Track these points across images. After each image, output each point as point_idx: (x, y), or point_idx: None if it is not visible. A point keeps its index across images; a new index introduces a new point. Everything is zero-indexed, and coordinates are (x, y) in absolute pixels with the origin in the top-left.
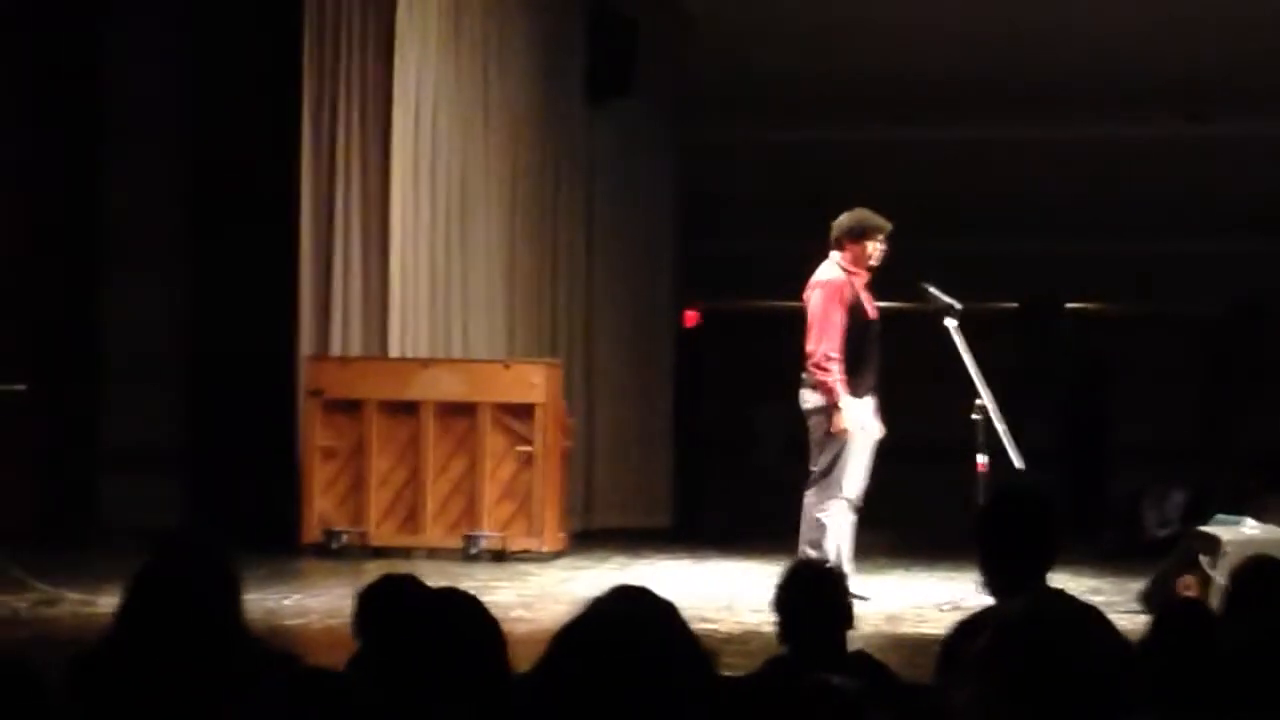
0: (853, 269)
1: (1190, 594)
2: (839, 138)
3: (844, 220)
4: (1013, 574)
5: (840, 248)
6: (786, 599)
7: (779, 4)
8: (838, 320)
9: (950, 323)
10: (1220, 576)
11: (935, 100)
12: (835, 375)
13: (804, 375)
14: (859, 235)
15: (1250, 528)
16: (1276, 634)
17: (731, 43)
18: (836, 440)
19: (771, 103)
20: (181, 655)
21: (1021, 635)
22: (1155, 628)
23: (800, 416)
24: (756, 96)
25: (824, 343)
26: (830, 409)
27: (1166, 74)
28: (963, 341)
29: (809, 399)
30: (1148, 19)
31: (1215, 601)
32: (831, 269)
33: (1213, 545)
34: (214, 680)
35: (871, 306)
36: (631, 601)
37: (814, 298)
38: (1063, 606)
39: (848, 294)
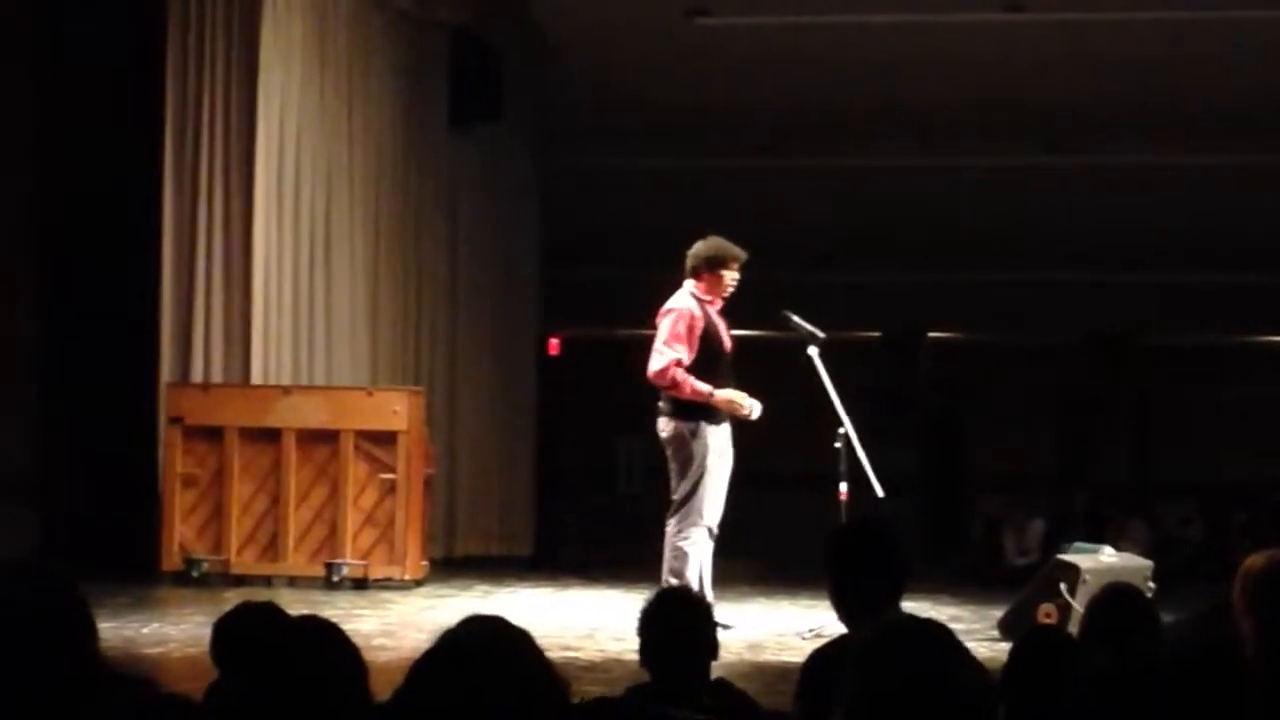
0: (706, 297)
1: (1050, 621)
2: (703, 166)
3: (700, 249)
4: (861, 604)
5: (696, 276)
6: (651, 627)
7: (643, 33)
8: (683, 338)
9: (812, 351)
10: (1079, 604)
11: (799, 129)
12: (689, 379)
13: (660, 404)
14: (715, 264)
15: (1108, 556)
16: (1134, 661)
17: (596, 71)
18: (694, 468)
19: (636, 131)
20: (30, 684)
21: (874, 661)
22: (1015, 654)
23: (658, 445)
24: (621, 124)
25: (662, 358)
26: (694, 428)
27: (1028, 105)
28: (825, 370)
29: (665, 426)
30: (1010, 50)
31: (1074, 629)
32: (684, 297)
33: (1072, 573)
34: (65, 709)
35: (726, 335)
36: (485, 630)
37: (662, 323)
38: (915, 631)
39: (699, 322)
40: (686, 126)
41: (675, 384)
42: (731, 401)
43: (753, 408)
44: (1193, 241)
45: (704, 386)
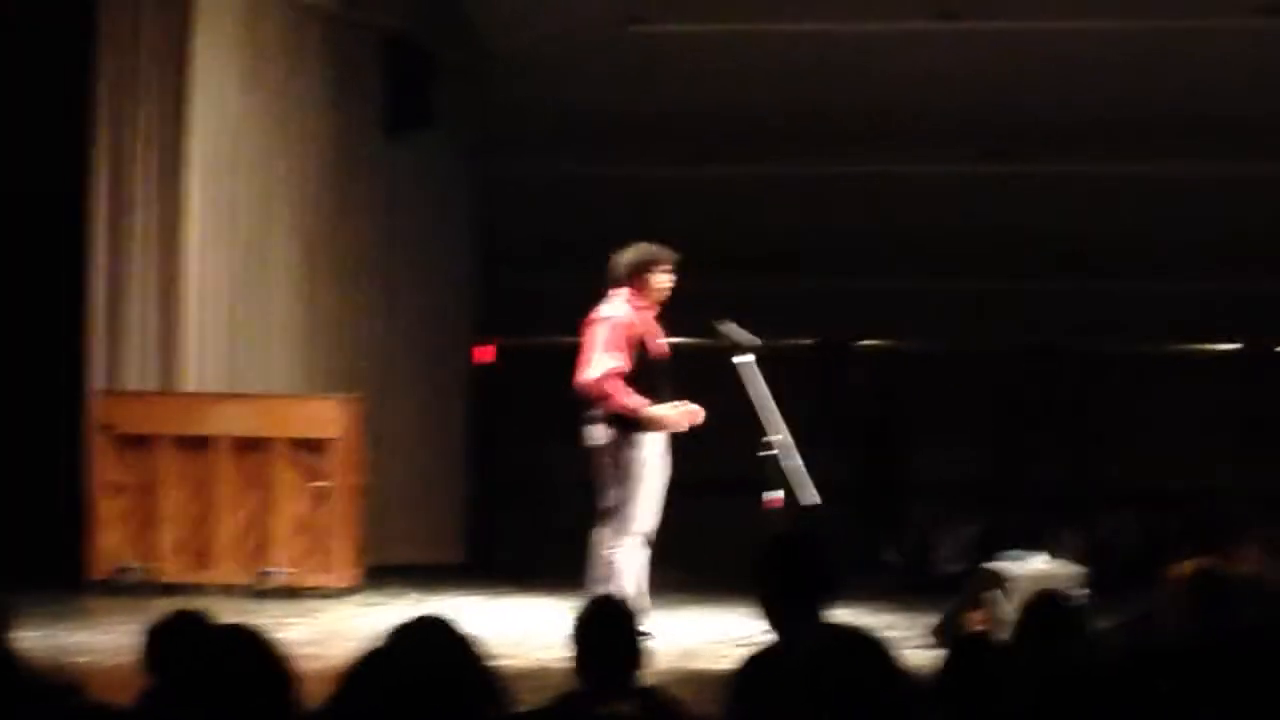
0: (640, 304)
1: (979, 628)
2: (637, 174)
3: (625, 256)
4: (789, 616)
5: (622, 284)
6: (583, 634)
7: (580, 39)
8: (619, 346)
9: (742, 360)
10: (1007, 611)
11: (732, 137)
12: (621, 391)
13: (590, 413)
14: (643, 269)
15: (1038, 562)
16: (1061, 667)
17: (532, 77)
18: (626, 475)
19: (573, 138)
20: None
21: (807, 672)
22: (947, 662)
23: (589, 454)
24: (557, 131)
25: (595, 367)
26: (628, 436)
27: (967, 109)
28: (757, 378)
29: (594, 436)
30: (947, 58)
31: (1004, 635)
32: (617, 305)
33: (1001, 580)
34: None
35: (661, 344)
36: (429, 633)
37: (594, 331)
38: (843, 639)
39: (632, 330)
40: (624, 134)
41: (607, 395)
42: (662, 419)
43: (691, 416)
44: (1131, 246)
45: (635, 401)
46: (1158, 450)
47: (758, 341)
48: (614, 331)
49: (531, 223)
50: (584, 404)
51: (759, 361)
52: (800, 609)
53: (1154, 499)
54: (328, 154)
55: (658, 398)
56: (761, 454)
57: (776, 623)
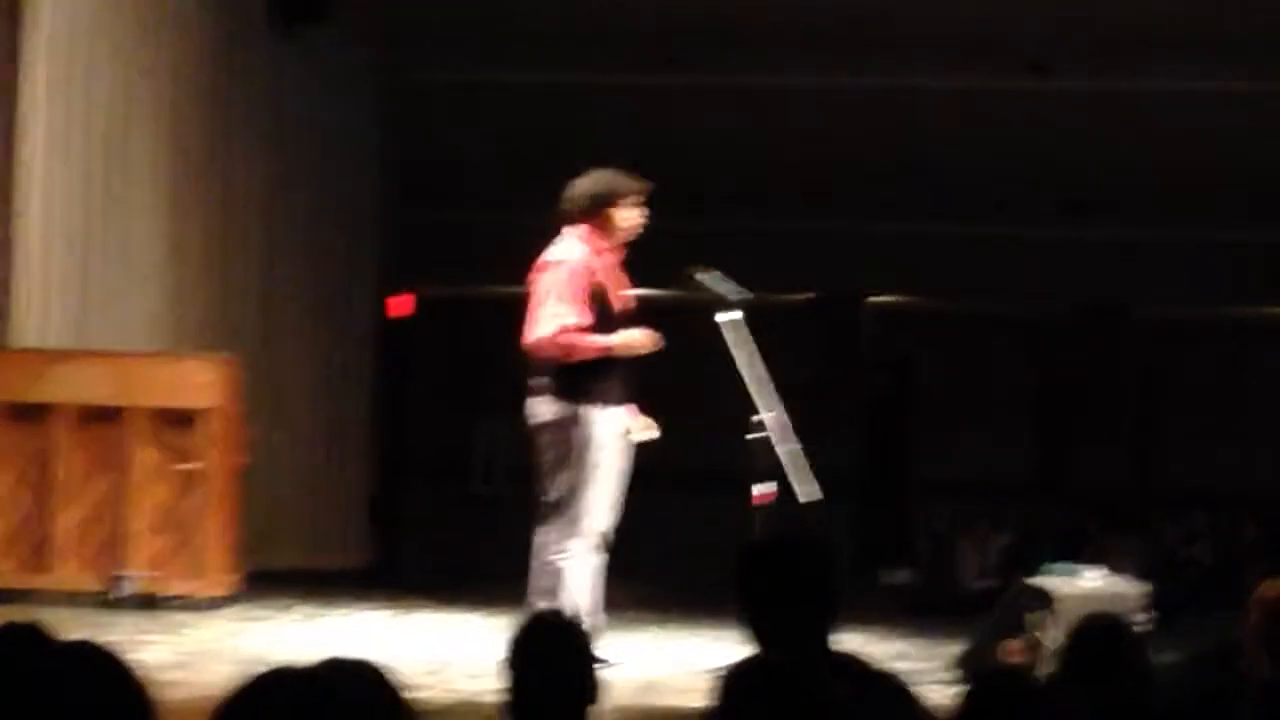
0: (602, 245)
1: (1016, 660)
2: (589, 81)
3: (581, 186)
4: (781, 638)
5: (578, 221)
6: (518, 663)
7: None
8: (573, 296)
9: (726, 318)
10: (1051, 640)
11: (712, 37)
12: (582, 339)
13: (532, 381)
14: (602, 203)
15: (1090, 579)
16: (1118, 712)
17: None
18: (577, 461)
19: (503, 36)
20: None
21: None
22: (969, 703)
23: (528, 433)
24: (484, 29)
25: (548, 323)
26: (579, 411)
27: (1007, 14)
28: (742, 341)
29: (541, 409)
30: None
31: (1046, 669)
32: (570, 246)
33: (1043, 601)
34: None
35: (623, 295)
36: (325, 673)
37: (543, 279)
38: (855, 677)
39: (588, 278)
40: (568, 32)
41: (568, 349)
42: (631, 344)
43: (652, 340)
44: (1211, 187)
45: (601, 339)
46: (1236, 443)
47: (746, 295)
48: (569, 280)
49: (454, 142)
50: (526, 370)
51: (741, 320)
52: (797, 632)
53: (1230, 502)
54: (201, 52)
55: (618, 365)
56: (750, 436)
57: (764, 648)
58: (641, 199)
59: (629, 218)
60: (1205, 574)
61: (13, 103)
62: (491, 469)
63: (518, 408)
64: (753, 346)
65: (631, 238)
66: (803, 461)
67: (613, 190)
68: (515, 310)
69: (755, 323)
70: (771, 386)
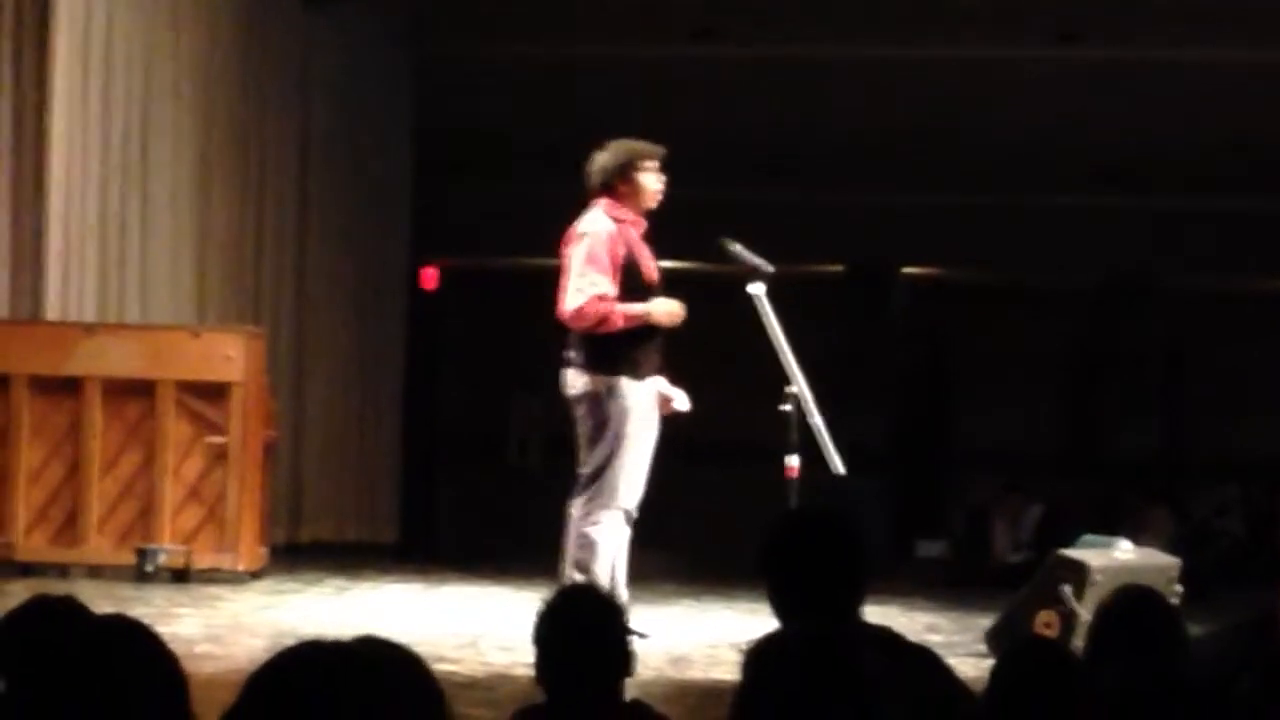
0: (627, 216)
1: (1049, 633)
2: (622, 55)
3: (603, 158)
4: (810, 613)
5: (605, 193)
6: (550, 635)
7: None
8: (603, 266)
9: (756, 289)
10: (1086, 612)
11: (745, 8)
12: (617, 308)
13: (567, 353)
14: (624, 171)
15: (1124, 552)
16: (1152, 683)
17: None
18: (610, 435)
19: (536, 7)
20: None
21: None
22: (1001, 674)
23: (565, 405)
24: (516, 4)
25: (581, 293)
26: (611, 382)
27: None
28: (772, 313)
29: (574, 382)
30: None
31: (1079, 642)
32: (598, 218)
33: (1078, 573)
34: None
35: (652, 265)
36: (359, 648)
37: (573, 251)
38: (887, 650)
39: (620, 249)
40: (600, 4)
41: (603, 319)
42: (665, 313)
43: (682, 311)
44: (1244, 158)
45: (637, 307)
46: (1268, 414)
47: (770, 267)
48: (595, 248)
49: (485, 117)
50: (559, 341)
51: (770, 292)
52: (826, 607)
53: (1262, 473)
54: (231, 28)
55: (650, 336)
56: (783, 408)
57: (794, 621)
58: (659, 164)
59: (650, 183)
60: (1237, 545)
61: (40, 85)
62: (525, 442)
63: (553, 381)
64: (773, 320)
65: (654, 204)
66: (826, 437)
67: (632, 156)
68: (548, 281)
69: (788, 295)
70: (793, 360)
